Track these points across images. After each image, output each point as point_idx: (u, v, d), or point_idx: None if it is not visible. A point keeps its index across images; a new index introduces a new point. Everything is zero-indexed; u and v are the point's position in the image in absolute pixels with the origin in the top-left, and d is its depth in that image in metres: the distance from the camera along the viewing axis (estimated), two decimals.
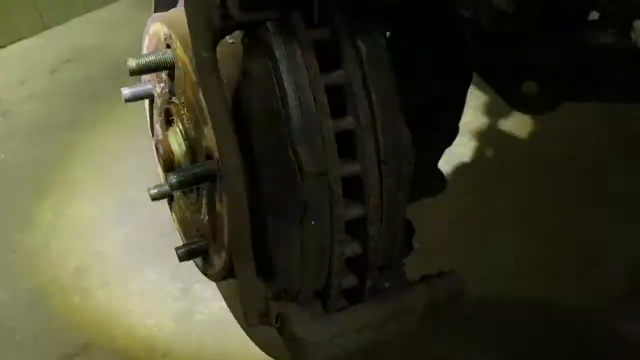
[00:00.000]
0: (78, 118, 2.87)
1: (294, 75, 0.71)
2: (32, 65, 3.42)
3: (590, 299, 1.59)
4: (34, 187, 2.43)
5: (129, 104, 1.06)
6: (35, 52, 3.61)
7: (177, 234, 1.17)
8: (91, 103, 2.98)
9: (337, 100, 0.75)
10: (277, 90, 0.70)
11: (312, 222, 0.73)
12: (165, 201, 1.14)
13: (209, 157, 0.89)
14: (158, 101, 1.07)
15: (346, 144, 0.76)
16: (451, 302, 0.89)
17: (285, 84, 0.70)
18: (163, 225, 2.06)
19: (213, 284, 1.29)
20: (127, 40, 3.64)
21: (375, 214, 0.78)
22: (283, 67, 0.70)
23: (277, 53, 0.71)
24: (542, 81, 1.41)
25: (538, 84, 1.44)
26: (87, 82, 3.21)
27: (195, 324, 1.77)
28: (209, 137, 0.86)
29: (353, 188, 0.78)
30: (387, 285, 0.86)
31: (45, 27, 3.91)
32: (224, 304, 1.34)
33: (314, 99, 0.71)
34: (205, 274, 1.05)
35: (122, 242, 2.09)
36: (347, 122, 0.75)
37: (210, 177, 0.88)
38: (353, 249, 0.80)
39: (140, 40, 1.06)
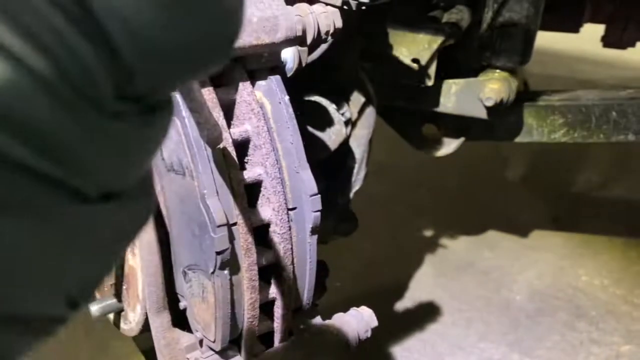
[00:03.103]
0: None
1: (202, 132, 0.74)
2: None
3: (495, 323, 1.69)
4: None
5: None
6: None
7: None
8: None
9: (246, 153, 0.79)
10: (186, 147, 0.73)
11: (225, 272, 0.76)
12: None
13: None
14: None
15: (256, 194, 0.79)
16: (363, 337, 0.94)
17: (193, 140, 0.73)
18: None
19: None
20: None
21: (287, 259, 0.81)
22: (191, 124, 0.73)
23: (184, 112, 0.74)
24: (441, 124, 1.52)
25: (437, 127, 1.54)
26: None
27: None
28: None
29: (264, 235, 0.81)
30: (301, 327, 0.89)
31: None
32: None
33: (223, 153, 0.75)
34: (121, 329, 1.04)
35: None
36: (256, 173, 0.79)
37: None
38: (267, 295, 0.83)
39: None
